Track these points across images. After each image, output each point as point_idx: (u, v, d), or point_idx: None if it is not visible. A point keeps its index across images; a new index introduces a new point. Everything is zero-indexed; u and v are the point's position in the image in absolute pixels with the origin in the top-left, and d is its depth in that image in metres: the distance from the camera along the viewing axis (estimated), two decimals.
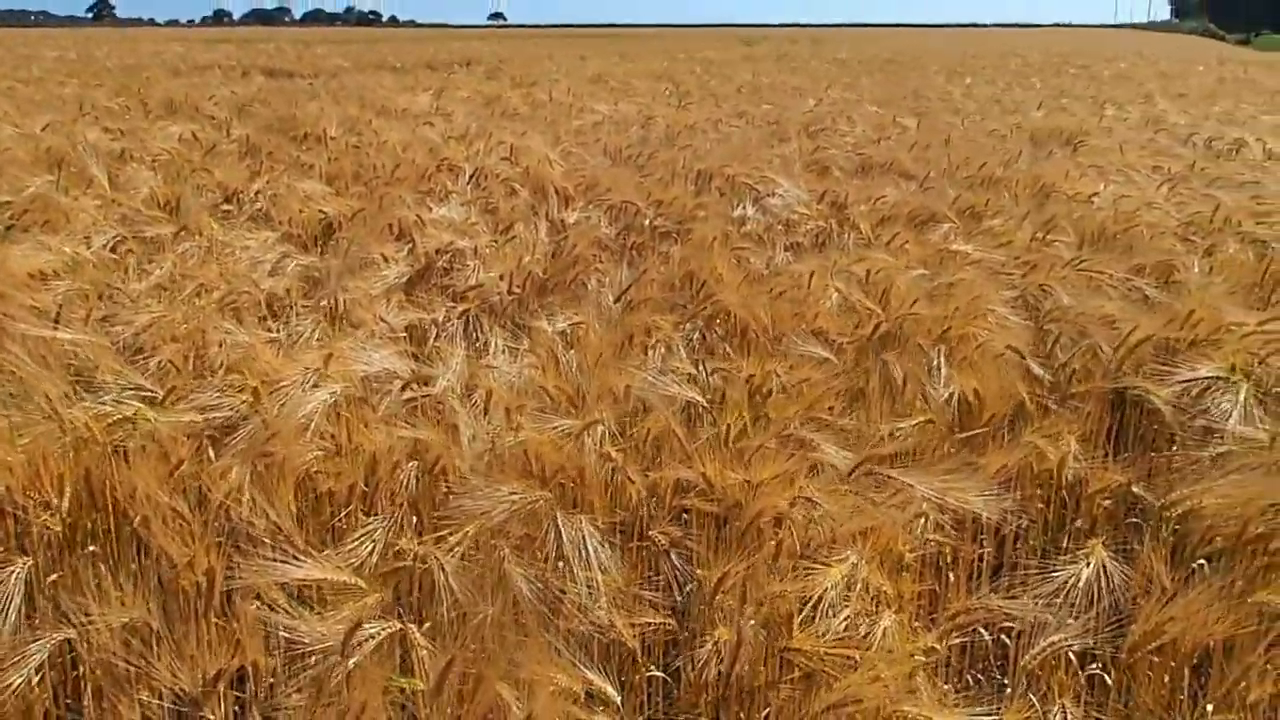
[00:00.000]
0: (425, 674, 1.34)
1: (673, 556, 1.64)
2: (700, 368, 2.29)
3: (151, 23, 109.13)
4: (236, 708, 1.39)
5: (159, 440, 1.74)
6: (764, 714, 1.37)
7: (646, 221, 3.52)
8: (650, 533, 1.73)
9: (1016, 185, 3.81)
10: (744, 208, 3.61)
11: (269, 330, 2.31)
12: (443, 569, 1.52)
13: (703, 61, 15.23)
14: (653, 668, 1.65)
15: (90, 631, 1.37)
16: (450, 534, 1.61)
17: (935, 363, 2.12)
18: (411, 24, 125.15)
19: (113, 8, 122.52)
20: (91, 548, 1.72)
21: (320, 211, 3.27)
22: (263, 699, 1.40)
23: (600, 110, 6.30)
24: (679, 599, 1.62)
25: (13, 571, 1.43)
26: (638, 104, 7.02)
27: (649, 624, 1.53)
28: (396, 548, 1.62)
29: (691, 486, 1.76)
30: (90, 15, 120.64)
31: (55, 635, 1.39)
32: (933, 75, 12.00)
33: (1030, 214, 3.24)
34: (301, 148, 4.35)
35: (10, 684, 1.33)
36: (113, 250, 2.72)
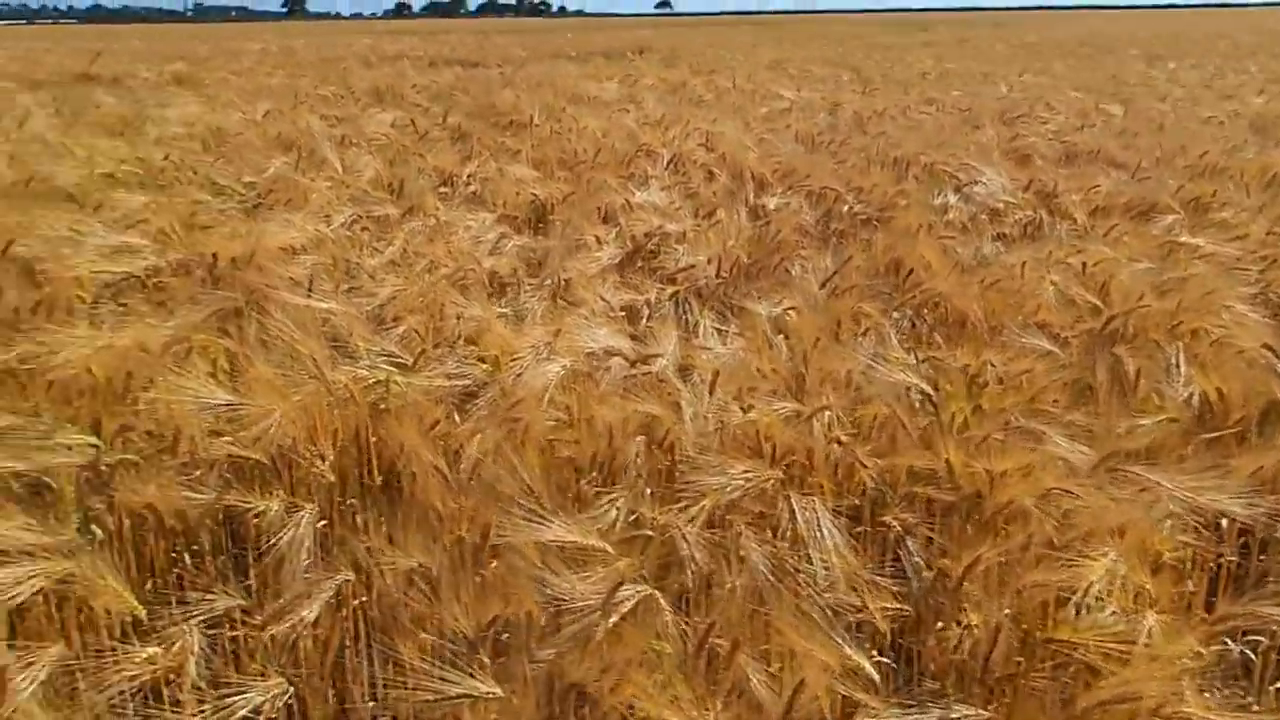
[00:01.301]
0: (672, 638, 1.39)
1: (907, 542, 1.65)
2: (914, 355, 2.27)
3: (338, 16, 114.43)
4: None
5: (413, 402, 1.86)
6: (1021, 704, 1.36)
7: (846, 208, 3.50)
8: (883, 518, 1.74)
9: (1244, 175, 3.61)
10: (945, 195, 3.55)
11: (498, 306, 2.42)
12: (685, 539, 1.57)
13: (879, 47, 14.94)
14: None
15: (376, 574, 1.48)
16: (688, 506, 1.67)
17: (1173, 360, 2.05)
18: (580, 13, 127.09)
19: (304, 2, 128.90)
20: (351, 500, 1.85)
21: (531, 194, 3.38)
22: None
23: (786, 96, 6.29)
24: (915, 585, 1.62)
25: (302, 515, 1.55)
26: (820, 90, 6.96)
27: (885, 608, 1.54)
28: (635, 516, 1.69)
29: (925, 474, 1.76)
30: (284, 9, 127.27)
31: (339, 576, 1.51)
32: (1131, 59, 11.45)
33: (1265, 206, 3.08)
34: (505, 134, 4.51)
35: (304, 619, 1.45)
36: (349, 228, 2.89)
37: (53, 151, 3.99)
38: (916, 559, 1.62)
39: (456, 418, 1.96)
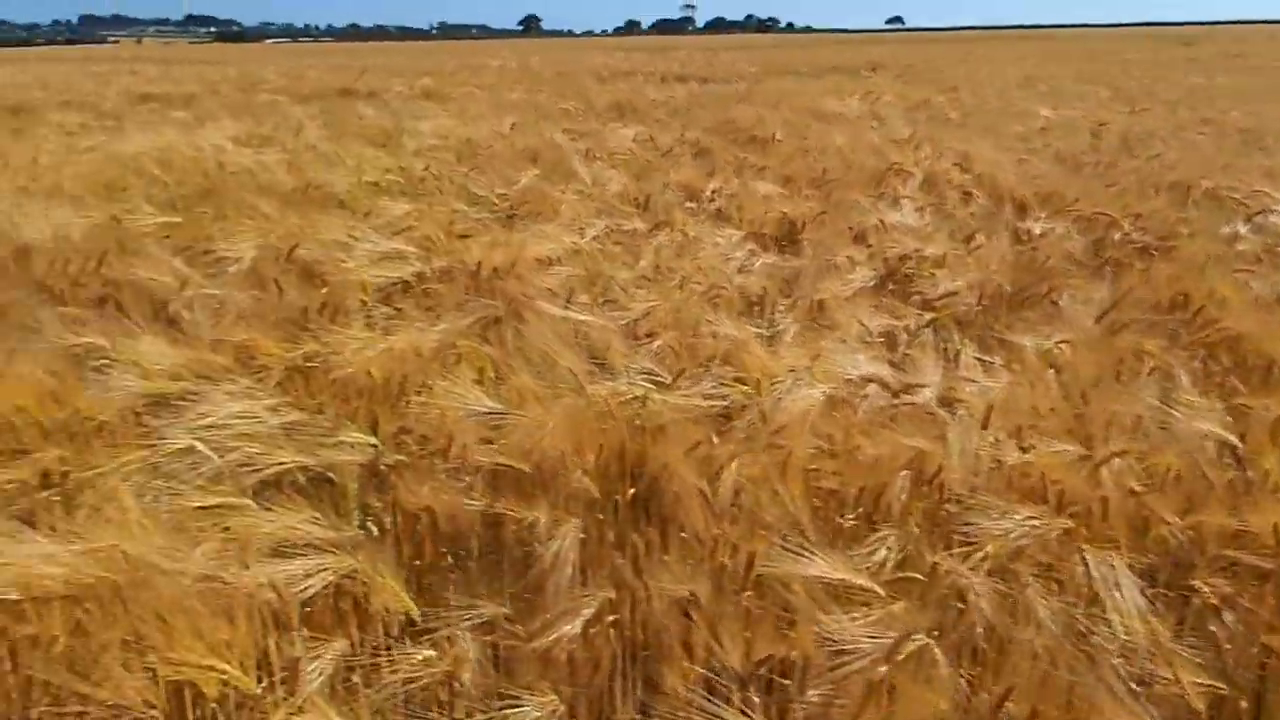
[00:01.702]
0: (951, 695, 1.29)
1: (1224, 614, 1.48)
2: (1211, 400, 2.06)
3: (570, 34, 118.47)
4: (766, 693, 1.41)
5: (673, 422, 1.82)
6: None
7: (1119, 235, 3.26)
8: (1189, 581, 1.57)
9: None
10: (1234, 224, 3.24)
11: (750, 326, 2.37)
12: (969, 588, 1.46)
13: (1137, 63, 14.06)
14: None
15: (640, 596, 1.45)
16: (969, 552, 1.56)
17: None
18: (808, 29, 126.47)
19: (539, 21, 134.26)
20: (598, 515, 1.84)
21: (779, 212, 3.32)
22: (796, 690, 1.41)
23: (1041, 114, 5.97)
24: (1230, 660, 1.45)
25: (567, 529, 1.54)
26: (1078, 108, 6.58)
27: (1198, 683, 1.38)
28: (907, 556, 1.59)
29: (1235, 535, 1.58)
30: (520, 27, 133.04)
31: (601, 593, 1.49)
32: None
33: None
34: (747, 149, 4.47)
35: (568, 634, 1.44)
36: (600, 240, 2.91)
37: (324, 160, 4.24)
38: (1232, 630, 1.45)
39: (714, 439, 1.91)
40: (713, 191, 3.67)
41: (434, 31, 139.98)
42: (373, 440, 1.66)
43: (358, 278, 2.47)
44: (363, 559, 1.42)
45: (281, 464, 1.58)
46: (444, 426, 1.67)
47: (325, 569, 1.39)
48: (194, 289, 2.45)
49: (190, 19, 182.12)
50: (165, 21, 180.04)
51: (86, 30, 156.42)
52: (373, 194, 3.56)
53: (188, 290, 2.45)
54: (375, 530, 1.60)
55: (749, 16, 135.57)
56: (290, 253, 2.63)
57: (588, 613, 1.49)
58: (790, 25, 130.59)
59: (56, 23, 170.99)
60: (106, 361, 2.00)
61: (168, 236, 2.82)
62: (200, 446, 1.58)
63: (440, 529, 1.58)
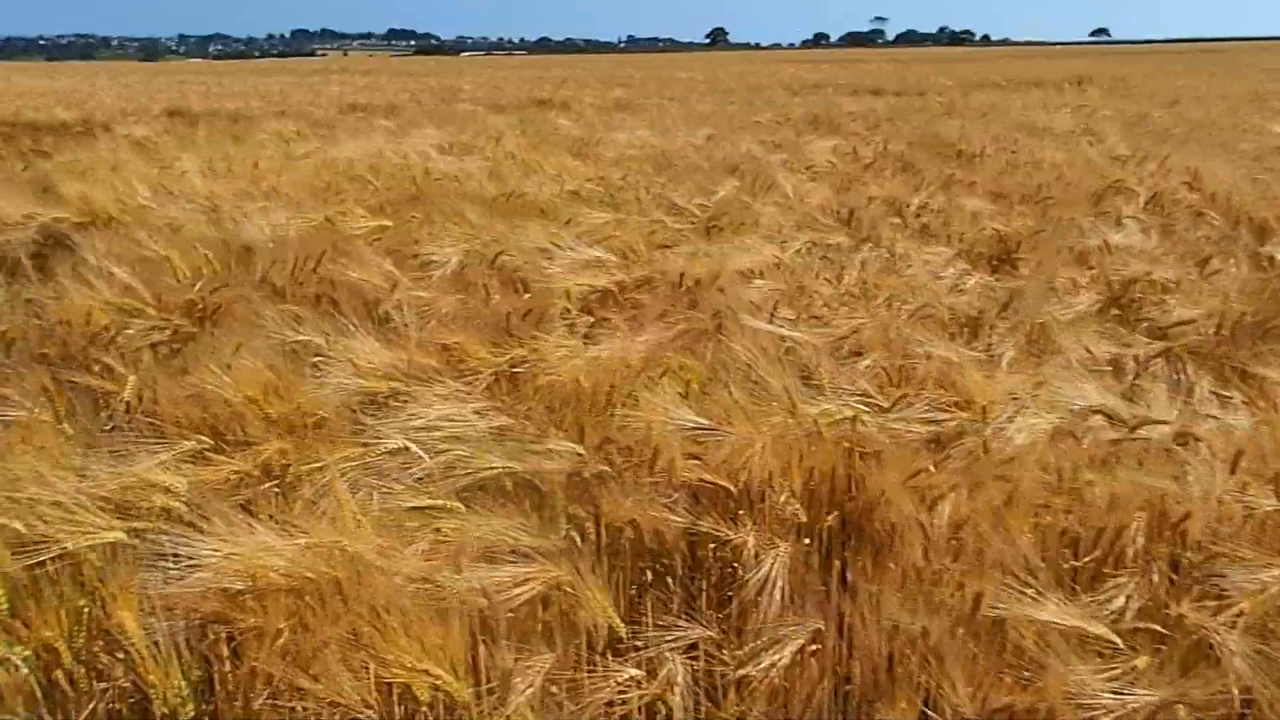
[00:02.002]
0: None
1: None
2: None
3: (757, 46, 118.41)
4: None
5: (887, 446, 1.73)
6: None
7: None
8: None
9: None
10: None
11: (965, 348, 2.24)
12: (1227, 647, 1.32)
13: None
14: None
15: (854, 628, 1.37)
16: (1221, 605, 1.41)
17: None
18: (1005, 42, 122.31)
19: (726, 34, 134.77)
20: (806, 540, 1.76)
21: (992, 230, 3.16)
22: None
23: (1276, 131, 5.53)
24: None
25: (776, 553, 1.48)
26: None
27: None
28: (1146, 606, 1.46)
29: None
30: (707, 40, 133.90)
31: (812, 623, 1.42)
32: None
33: None
34: (953, 164, 4.30)
35: (772, 663, 1.37)
36: (803, 254, 2.83)
37: (524, 169, 4.32)
38: None
39: (931, 467, 1.81)
40: (919, 207, 3.54)
41: (622, 45, 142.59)
42: (578, 449, 1.64)
43: (560, 285, 2.48)
44: (570, 570, 1.40)
45: (490, 469, 1.58)
46: (650, 439, 1.64)
47: (533, 578, 1.38)
48: (403, 291, 2.50)
49: (392, 33, 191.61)
50: (369, 36, 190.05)
51: (298, 44, 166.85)
52: (573, 202, 3.59)
53: (397, 292, 2.51)
54: (578, 541, 1.57)
55: (942, 29, 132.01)
56: (495, 259, 2.67)
57: (797, 642, 1.42)
58: (986, 38, 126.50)
59: (271, 36, 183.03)
60: (322, 358, 2.06)
61: (378, 239, 2.91)
62: (413, 447, 1.59)
63: (644, 544, 1.54)
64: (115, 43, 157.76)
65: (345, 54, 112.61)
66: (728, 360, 2.00)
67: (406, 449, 1.59)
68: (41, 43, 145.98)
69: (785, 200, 3.48)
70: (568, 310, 2.33)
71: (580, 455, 1.64)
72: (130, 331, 2.32)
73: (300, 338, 2.13)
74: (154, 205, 3.79)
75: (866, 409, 1.87)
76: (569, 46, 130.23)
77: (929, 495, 1.66)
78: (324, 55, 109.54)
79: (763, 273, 2.64)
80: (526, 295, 2.48)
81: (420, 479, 1.59)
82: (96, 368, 2.18)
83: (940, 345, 2.18)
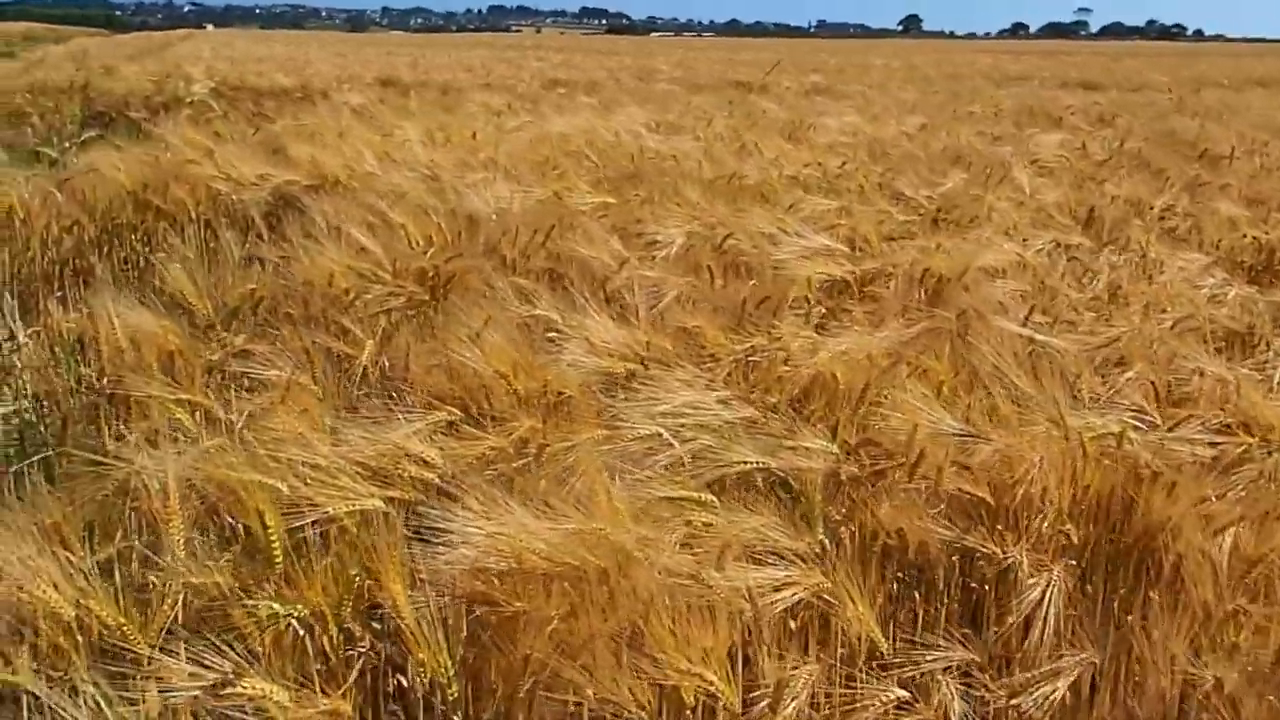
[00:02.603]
0: None
1: None
2: None
3: (951, 35, 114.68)
4: None
5: (1167, 468, 1.59)
6: None
7: None
8: None
9: None
10: None
11: (1237, 365, 2.05)
12: None
13: None
14: None
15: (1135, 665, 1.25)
16: None
17: None
18: (1219, 38, 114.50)
19: (920, 21, 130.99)
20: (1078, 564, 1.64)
21: (1251, 237, 2.91)
22: None
23: None
24: None
25: (1050, 576, 1.37)
26: None
27: None
28: None
29: None
30: (900, 28, 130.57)
31: (1085, 655, 1.31)
32: None
33: None
34: (1197, 165, 3.99)
35: (1047, 696, 1.27)
36: (1046, 254, 2.67)
37: (738, 151, 4.24)
38: None
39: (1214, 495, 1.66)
40: (1163, 209, 3.29)
41: (812, 29, 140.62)
42: (832, 448, 1.57)
43: (790, 273, 2.40)
44: (830, 575, 1.33)
45: (743, 462, 1.52)
46: (911, 443, 1.54)
47: (794, 582, 1.31)
48: (631, 270, 2.48)
49: (585, 11, 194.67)
50: (562, 13, 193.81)
51: (494, 19, 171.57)
52: (791, 188, 3.50)
53: (626, 270, 2.48)
54: (834, 546, 1.50)
55: (1151, 22, 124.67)
56: (723, 242, 2.61)
57: (1073, 676, 1.31)
58: (1199, 33, 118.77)
59: (469, 11, 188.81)
60: (557, 334, 2.05)
61: (604, 216, 2.90)
62: (665, 434, 1.55)
63: (904, 554, 1.45)
64: (324, 13, 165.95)
65: (538, 30, 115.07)
66: (977, 363, 1.89)
67: (659, 435, 1.55)
68: (257, 11, 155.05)
69: (1016, 195, 3.29)
70: (806, 299, 2.25)
71: (835, 454, 1.56)
72: (368, 296, 2.37)
73: (537, 312, 2.13)
74: (379, 171, 3.90)
75: (1136, 426, 1.73)
76: (758, 29, 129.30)
77: (1214, 525, 1.51)
78: (518, 31, 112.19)
79: (1004, 271, 2.49)
80: (752, 281, 2.41)
81: (669, 467, 1.55)
82: (335, 330, 2.24)
83: (1209, 361, 2.00)
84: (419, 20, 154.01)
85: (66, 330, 3.32)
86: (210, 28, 69.04)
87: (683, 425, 1.63)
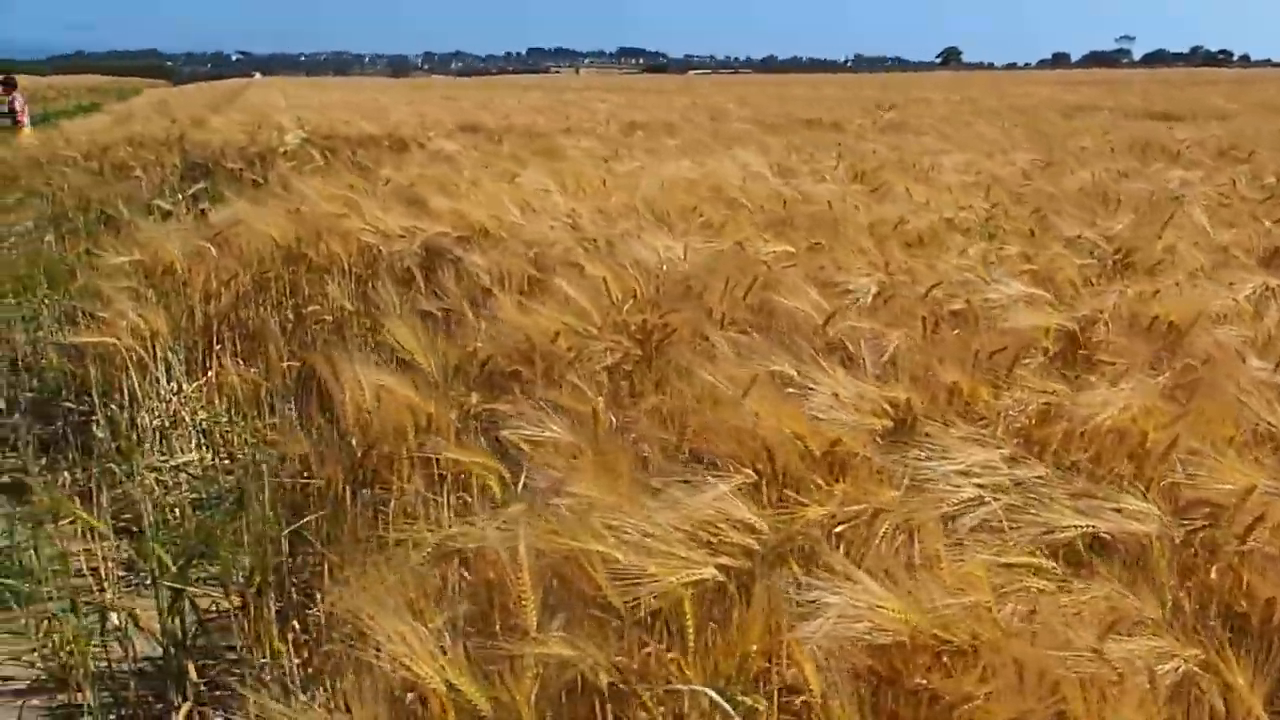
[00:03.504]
0: None
1: None
2: None
3: (991, 66, 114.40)
4: None
5: None
6: None
7: None
8: None
9: None
10: None
11: None
12: None
13: None
14: None
15: None
16: None
17: None
18: (1267, 63, 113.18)
19: (960, 53, 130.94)
20: None
21: None
22: None
23: None
24: None
25: None
26: None
27: None
28: None
29: None
30: (938, 60, 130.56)
31: None
32: None
33: None
34: None
35: None
36: (1253, 299, 2.61)
37: (879, 193, 4.23)
38: None
39: None
40: None
41: (849, 64, 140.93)
42: (1154, 509, 1.52)
43: (1010, 322, 2.37)
44: (1201, 648, 1.28)
45: (1069, 526, 1.48)
46: (1243, 502, 1.50)
47: (1172, 654, 1.27)
48: (842, 320, 2.46)
49: (622, 51, 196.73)
50: (600, 53, 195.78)
51: (533, 61, 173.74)
52: (950, 231, 3.48)
53: (836, 322, 2.46)
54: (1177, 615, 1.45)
55: (1195, 48, 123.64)
56: (928, 292, 2.58)
57: None
58: (1246, 58, 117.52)
59: (508, 54, 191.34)
60: (794, 390, 2.03)
61: (790, 265, 2.88)
62: (986, 495, 1.52)
63: (1270, 626, 1.40)
64: (367, 59, 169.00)
65: (577, 71, 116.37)
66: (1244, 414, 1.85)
67: (979, 498, 1.52)
68: (302, 59, 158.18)
69: (1191, 236, 3.24)
70: (1046, 349, 2.22)
71: (1161, 517, 1.52)
72: (588, 352, 2.36)
73: (774, 367, 2.11)
74: (523, 221, 3.92)
75: None
76: (795, 65, 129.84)
77: None
78: (557, 72, 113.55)
79: (1226, 317, 2.44)
80: (977, 332, 2.38)
81: (980, 530, 1.52)
82: (564, 386, 2.23)
83: None
84: (459, 64, 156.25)
85: (239, 384, 3.36)
86: (258, 75, 70.53)
87: (980, 485, 1.60)
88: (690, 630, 1.31)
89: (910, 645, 1.21)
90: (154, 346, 3.43)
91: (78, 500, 3.31)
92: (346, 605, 1.31)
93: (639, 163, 5.72)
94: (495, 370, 2.34)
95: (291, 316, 3.88)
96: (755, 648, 1.24)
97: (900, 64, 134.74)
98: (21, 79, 14.98)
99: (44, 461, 3.46)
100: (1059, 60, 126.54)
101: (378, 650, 1.23)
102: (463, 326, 2.67)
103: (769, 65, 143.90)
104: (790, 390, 2.04)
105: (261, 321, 3.69)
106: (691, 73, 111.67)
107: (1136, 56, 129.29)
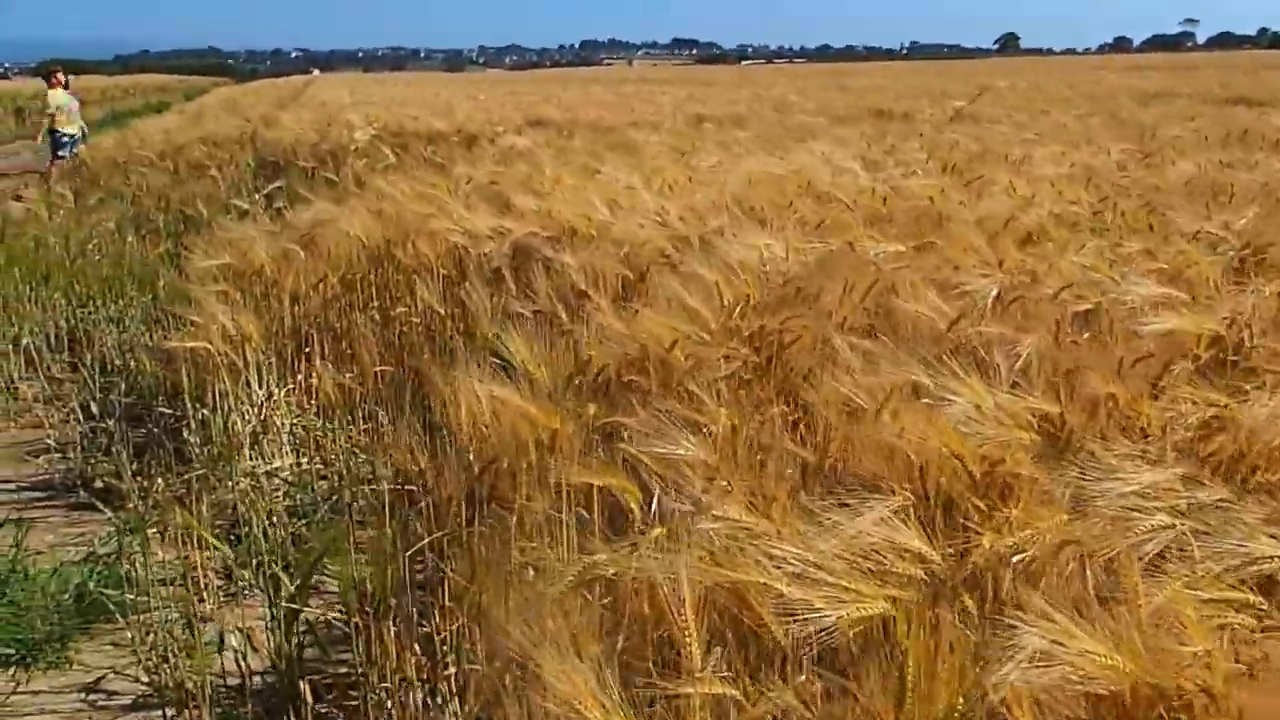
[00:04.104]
0: None
1: None
2: None
3: (1050, 52, 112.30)
4: None
5: None
6: None
7: None
8: None
9: None
10: None
11: None
12: None
13: None
14: None
15: None
16: None
17: None
18: None
19: (1018, 39, 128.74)
20: None
21: None
22: None
23: None
24: None
25: None
26: None
27: None
28: None
29: None
30: (996, 46, 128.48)
31: None
32: None
33: None
34: None
35: None
36: None
37: (967, 187, 4.08)
38: None
39: None
40: None
41: (905, 51, 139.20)
42: None
43: (1152, 327, 2.23)
44: None
45: (1275, 557, 1.37)
46: None
47: None
48: (968, 325, 2.34)
49: (676, 42, 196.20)
50: (654, 45, 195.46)
51: (586, 53, 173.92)
52: (1057, 227, 3.33)
53: (961, 326, 2.35)
54: None
55: (1263, 30, 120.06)
56: (1058, 294, 2.46)
57: None
58: None
59: (561, 47, 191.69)
60: (930, 401, 1.92)
61: (903, 266, 2.76)
62: (1179, 524, 1.41)
63: None
64: (423, 54, 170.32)
65: (630, 63, 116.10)
66: None
67: (1173, 526, 1.41)
68: (360, 54, 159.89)
69: None
70: (1197, 357, 2.09)
71: None
72: (704, 359, 2.27)
73: (914, 377, 2.00)
74: (612, 219, 3.84)
75: None
76: (850, 54, 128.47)
77: None
78: (610, 64, 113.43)
79: None
80: (1120, 339, 2.25)
81: (1160, 557, 1.41)
82: (685, 398, 2.14)
83: None
84: (514, 58, 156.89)
85: (333, 390, 3.32)
86: (317, 72, 71.33)
87: (1157, 508, 1.49)
88: (871, 671, 1.21)
89: (1131, 698, 1.10)
90: (245, 350, 3.41)
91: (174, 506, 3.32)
92: (495, 633, 1.24)
93: (716, 158, 5.61)
94: (608, 379, 2.25)
95: (378, 318, 3.84)
96: (951, 693, 1.14)
97: (957, 51, 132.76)
98: (87, 79, 14.66)
99: (136, 466, 3.45)
100: (1120, 44, 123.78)
101: (543, 688, 1.16)
102: (565, 331, 2.60)
103: (824, 54, 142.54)
104: (925, 400, 1.94)
105: (351, 324, 3.64)
106: (745, 63, 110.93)
107: (1201, 40, 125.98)
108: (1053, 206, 3.53)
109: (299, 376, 3.62)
